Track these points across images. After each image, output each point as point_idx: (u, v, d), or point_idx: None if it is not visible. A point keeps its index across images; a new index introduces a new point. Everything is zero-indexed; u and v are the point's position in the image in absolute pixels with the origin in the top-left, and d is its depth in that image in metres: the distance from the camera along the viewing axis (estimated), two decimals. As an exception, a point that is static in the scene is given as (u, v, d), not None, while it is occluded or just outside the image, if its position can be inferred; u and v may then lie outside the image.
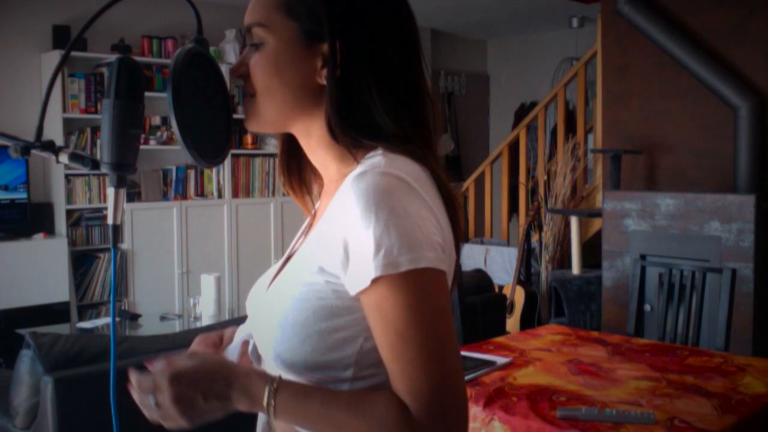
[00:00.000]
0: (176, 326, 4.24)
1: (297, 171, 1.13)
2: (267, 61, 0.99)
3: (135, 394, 0.94)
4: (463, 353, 2.54)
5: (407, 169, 0.93)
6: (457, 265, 1.02)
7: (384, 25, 0.97)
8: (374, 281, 0.88)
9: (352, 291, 0.91)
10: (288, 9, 0.97)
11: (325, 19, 0.95)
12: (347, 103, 0.95)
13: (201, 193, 6.11)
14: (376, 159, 0.93)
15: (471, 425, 2.06)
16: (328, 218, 0.95)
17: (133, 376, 0.93)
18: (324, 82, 0.97)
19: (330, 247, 0.92)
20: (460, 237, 1.00)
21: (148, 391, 0.92)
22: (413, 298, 0.88)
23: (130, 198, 5.67)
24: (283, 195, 6.32)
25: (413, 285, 0.88)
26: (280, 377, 0.93)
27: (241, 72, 1.02)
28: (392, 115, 0.96)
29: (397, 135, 0.96)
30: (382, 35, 0.96)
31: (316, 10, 0.96)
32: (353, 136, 0.96)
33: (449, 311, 0.92)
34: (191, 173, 6.06)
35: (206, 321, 4.04)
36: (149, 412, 0.93)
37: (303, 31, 0.97)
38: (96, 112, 5.47)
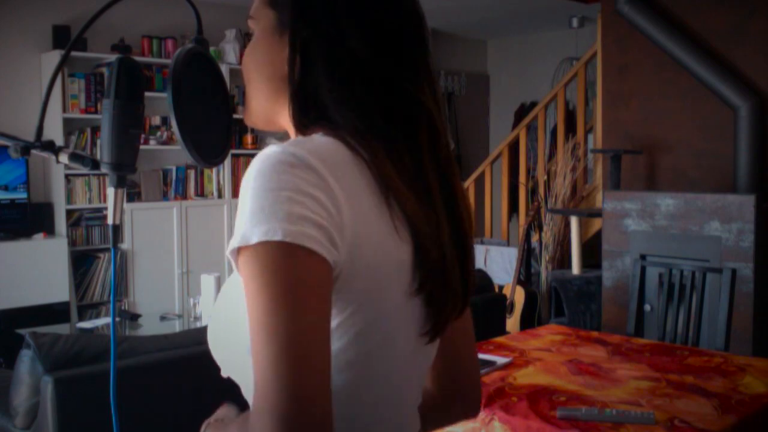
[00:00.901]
0: (176, 326, 4.24)
1: None
2: (249, 52, 0.98)
3: None
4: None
5: (320, 148, 0.85)
6: (423, 257, 0.89)
7: (355, 18, 0.91)
8: (236, 256, 0.81)
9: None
10: (271, 0, 0.96)
11: (289, 6, 0.93)
12: (302, 93, 0.91)
13: (201, 193, 6.11)
14: (297, 138, 0.89)
15: (471, 425, 2.06)
16: None
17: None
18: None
19: None
20: (422, 241, 0.89)
21: None
22: (258, 271, 0.78)
23: (130, 198, 5.67)
24: (283, 195, 6.32)
25: (262, 258, 0.78)
26: (219, 416, 0.97)
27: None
28: (343, 109, 0.90)
29: (344, 126, 0.90)
30: (351, 28, 0.91)
31: None
32: (305, 116, 0.92)
33: (311, 298, 0.79)
34: (191, 173, 6.06)
35: (206, 321, 4.04)
36: None
37: (278, 21, 0.95)
38: (96, 112, 5.47)
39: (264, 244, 0.79)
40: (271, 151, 0.83)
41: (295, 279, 0.79)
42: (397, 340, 0.91)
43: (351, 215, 0.83)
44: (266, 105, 0.98)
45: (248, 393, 0.91)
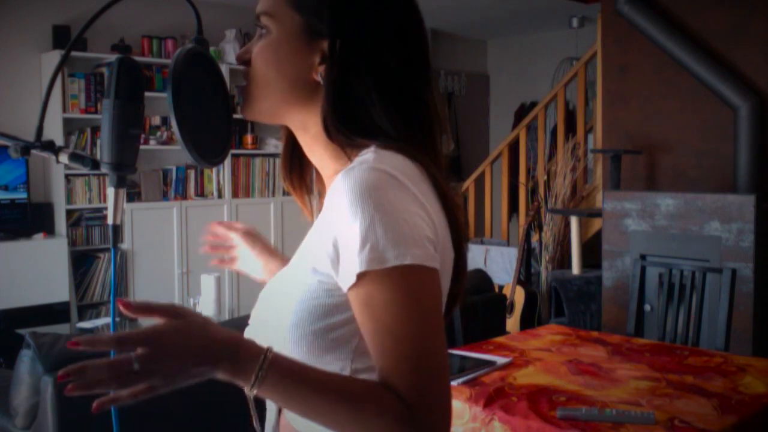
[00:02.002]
0: (176, 326, 4.23)
1: (299, 168, 1.13)
2: (267, 51, 0.99)
3: (88, 344, 0.82)
4: (463, 353, 2.54)
5: (397, 164, 0.91)
6: (462, 263, 1.00)
7: (388, 30, 0.96)
8: (361, 277, 0.87)
9: (344, 288, 0.90)
10: (294, 1, 0.97)
11: (328, 17, 0.95)
12: (342, 102, 0.95)
13: (201, 193, 6.11)
14: (367, 156, 0.93)
15: (471, 425, 2.06)
16: (320, 217, 0.95)
17: (96, 339, 0.82)
18: (319, 79, 0.97)
19: (321, 245, 0.92)
20: (462, 236, 0.98)
21: (128, 348, 0.80)
22: (400, 294, 0.86)
23: (130, 198, 5.67)
24: (284, 195, 6.32)
25: (400, 281, 0.86)
26: (272, 351, 0.85)
27: (245, 59, 1.03)
28: (388, 117, 0.95)
29: (392, 135, 0.95)
30: (385, 39, 0.96)
31: (321, 6, 0.96)
32: (347, 134, 0.95)
33: (439, 308, 0.90)
34: (191, 173, 6.06)
35: (206, 321, 4.03)
36: (118, 375, 0.81)
37: (306, 26, 0.97)
38: (96, 112, 5.47)
39: (400, 269, 0.86)
40: (363, 170, 0.89)
41: (432, 299, 0.89)
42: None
43: (437, 222, 0.93)
44: (280, 104, 1.01)
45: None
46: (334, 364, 0.93)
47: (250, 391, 0.84)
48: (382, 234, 0.85)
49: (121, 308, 0.83)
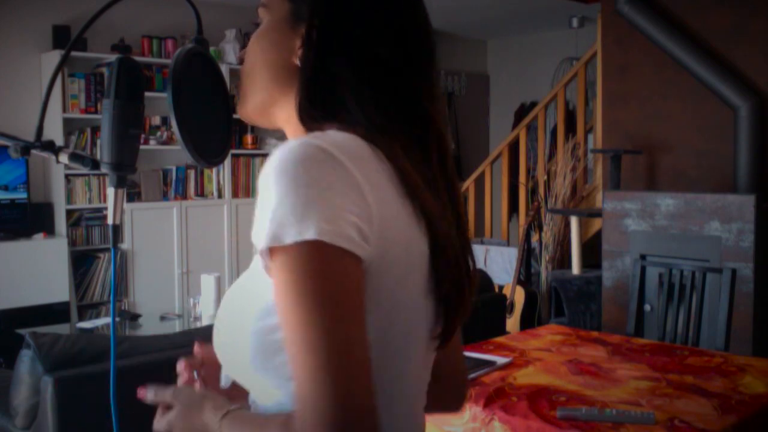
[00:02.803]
0: (176, 326, 4.23)
1: None
2: (255, 40, 0.97)
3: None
4: (463, 353, 2.53)
5: (341, 142, 0.83)
6: (441, 261, 0.89)
7: (375, 19, 0.91)
8: (270, 256, 0.79)
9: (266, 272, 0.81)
10: None
11: (309, 1, 0.92)
12: (317, 86, 0.90)
13: (201, 193, 6.11)
14: (314, 133, 0.86)
15: (471, 425, 2.06)
16: None
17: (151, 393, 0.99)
18: (298, 62, 0.92)
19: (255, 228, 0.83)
20: (439, 235, 0.88)
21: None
22: (295, 275, 0.76)
23: (130, 198, 5.67)
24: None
25: (297, 259, 0.76)
26: (231, 408, 0.88)
27: (243, 57, 1.00)
28: (362, 105, 0.89)
29: (361, 123, 0.88)
30: (370, 27, 0.91)
31: None
32: (315, 117, 0.90)
33: (347, 298, 0.77)
34: (191, 173, 6.06)
35: (206, 321, 4.03)
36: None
37: (292, 11, 0.93)
38: (96, 112, 5.47)
39: (299, 245, 0.76)
40: (293, 145, 0.81)
41: (335, 284, 0.77)
42: (416, 339, 0.90)
43: (378, 207, 0.81)
44: (264, 96, 0.96)
45: (256, 395, 0.92)
46: (285, 369, 0.83)
47: None
48: (290, 208, 0.77)
49: (140, 396, 1.00)
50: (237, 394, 0.96)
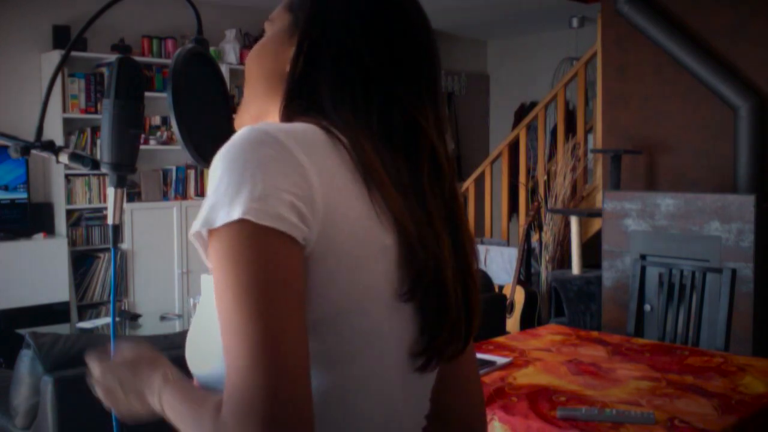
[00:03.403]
0: (176, 326, 4.24)
1: None
2: (255, 50, 0.98)
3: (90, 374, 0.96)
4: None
5: (293, 129, 0.82)
6: (410, 264, 0.84)
7: (368, 30, 0.91)
8: (208, 238, 0.77)
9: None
10: (290, 4, 0.96)
11: (307, 9, 0.93)
12: (299, 88, 0.91)
13: (201, 193, 6.12)
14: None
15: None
16: None
17: (92, 358, 0.96)
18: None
19: None
20: (406, 234, 0.84)
21: (91, 368, 0.95)
22: (223, 259, 0.74)
23: (130, 198, 5.67)
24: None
25: (224, 241, 0.74)
26: (177, 376, 0.87)
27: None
28: (337, 106, 0.88)
29: (331, 117, 0.87)
30: (359, 37, 0.90)
31: (304, 2, 0.94)
32: (293, 106, 0.91)
33: (278, 279, 0.73)
34: (191, 173, 6.07)
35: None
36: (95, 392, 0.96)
37: (291, 23, 0.95)
38: (96, 112, 5.47)
39: (227, 227, 0.74)
40: (242, 130, 0.80)
41: (264, 267, 0.73)
42: (380, 346, 0.85)
43: (322, 189, 0.78)
44: (259, 104, 0.96)
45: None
46: None
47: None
48: (224, 190, 0.75)
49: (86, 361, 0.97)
50: None
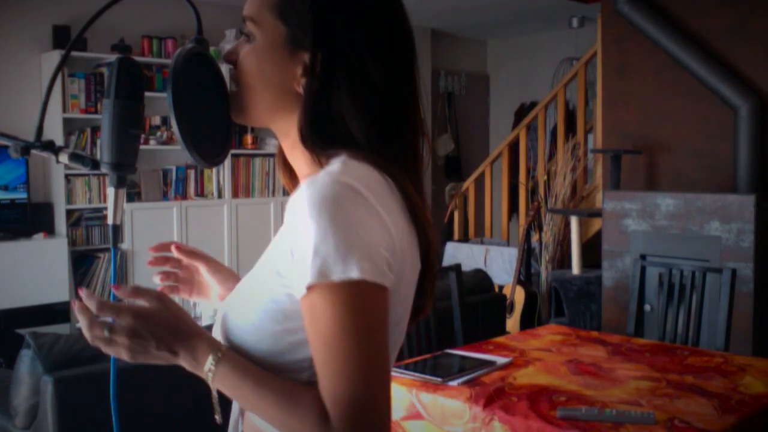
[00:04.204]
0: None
1: (291, 169, 1.13)
2: (252, 59, 1.00)
3: (84, 313, 0.94)
4: (463, 353, 2.54)
5: (362, 176, 0.92)
6: (429, 277, 1.02)
7: (372, 45, 0.96)
8: (309, 288, 0.88)
9: (297, 295, 0.91)
10: (279, 11, 0.97)
11: (311, 29, 0.95)
12: (320, 114, 0.95)
13: (201, 193, 6.11)
14: (334, 166, 0.93)
15: (471, 425, 2.06)
16: (284, 223, 0.95)
17: (91, 296, 0.95)
18: (301, 90, 0.97)
19: (283, 250, 0.92)
20: (431, 250, 0.99)
21: (108, 314, 0.93)
22: (341, 309, 0.87)
23: (130, 198, 5.67)
24: (284, 195, 6.32)
25: (343, 296, 0.87)
26: (226, 348, 0.95)
27: (232, 59, 1.03)
28: (363, 128, 0.95)
29: (364, 146, 0.95)
30: (368, 54, 0.95)
31: (304, 17, 0.96)
32: (320, 144, 0.96)
33: (382, 327, 0.90)
34: (191, 173, 6.07)
35: (206, 321, 4.03)
36: (92, 333, 0.94)
37: (290, 37, 0.97)
38: (96, 112, 5.47)
39: (344, 284, 0.86)
40: (326, 182, 0.89)
41: (375, 318, 0.89)
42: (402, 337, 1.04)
43: (397, 235, 0.92)
44: (267, 113, 1.02)
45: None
46: (294, 367, 0.95)
47: (209, 383, 0.94)
48: (332, 248, 0.86)
49: (114, 291, 0.98)
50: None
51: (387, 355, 0.91)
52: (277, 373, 0.94)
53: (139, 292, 0.96)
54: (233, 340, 0.98)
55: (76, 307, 0.94)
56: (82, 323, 0.95)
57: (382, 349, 0.90)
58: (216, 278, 1.25)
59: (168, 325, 0.94)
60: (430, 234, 0.98)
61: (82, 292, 0.96)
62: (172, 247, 1.23)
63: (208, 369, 0.93)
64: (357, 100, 0.95)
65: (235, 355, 0.95)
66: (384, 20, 0.98)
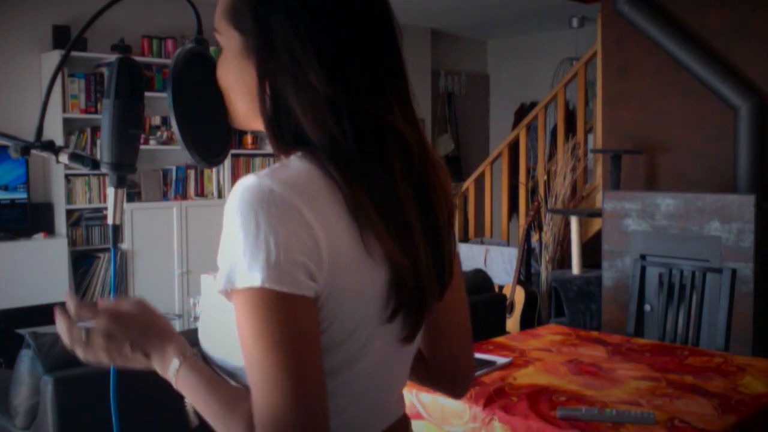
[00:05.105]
0: (176, 326, 4.24)
1: None
2: (222, 68, 1.00)
3: (63, 319, 0.98)
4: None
5: (296, 178, 0.89)
6: (398, 276, 0.93)
7: (310, 49, 0.92)
8: (222, 293, 0.88)
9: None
10: (234, 20, 0.97)
11: (253, 35, 0.94)
12: (278, 116, 0.94)
13: (201, 193, 6.12)
14: (276, 165, 0.92)
15: (471, 425, 2.06)
16: None
17: (71, 301, 0.98)
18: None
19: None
20: (392, 252, 0.92)
21: (86, 315, 0.97)
22: (252, 317, 0.85)
23: (130, 198, 5.67)
24: (283, 195, 6.31)
25: (249, 304, 0.85)
26: (192, 352, 0.96)
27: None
28: (318, 133, 0.92)
29: (321, 148, 0.92)
30: (307, 60, 0.91)
31: (249, 25, 0.95)
32: (283, 145, 0.95)
33: (300, 337, 0.85)
34: (191, 173, 6.07)
35: (206, 321, 4.04)
36: (70, 336, 0.97)
37: (242, 44, 0.96)
38: (96, 112, 5.47)
39: (250, 291, 0.84)
40: (248, 184, 0.87)
41: (284, 327, 0.84)
42: (376, 346, 0.96)
43: (327, 245, 0.87)
44: (246, 118, 1.01)
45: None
46: (241, 371, 0.93)
47: (174, 385, 0.95)
48: (240, 252, 0.85)
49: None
50: None
51: (314, 368, 0.86)
52: (229, 379, 0.94)
53: (120, 299, 0.99)
54: (205, 340, 0.99)
55: (56, 312, 0.97)
56: (61, 327, 0.98)
57: (305, 360, 0.85)
58: None
59: (142, 327, 0.96)
60: (387, 247, 0.91)
61: (65, 295, 0.99)
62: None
63: (172, 372, 0.94)
64: (302, 103, 0.92)
65: (197, 359, 0.95)
66: (328, 22, 0.93)
